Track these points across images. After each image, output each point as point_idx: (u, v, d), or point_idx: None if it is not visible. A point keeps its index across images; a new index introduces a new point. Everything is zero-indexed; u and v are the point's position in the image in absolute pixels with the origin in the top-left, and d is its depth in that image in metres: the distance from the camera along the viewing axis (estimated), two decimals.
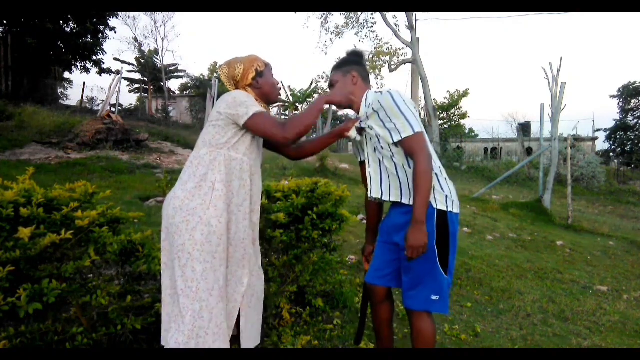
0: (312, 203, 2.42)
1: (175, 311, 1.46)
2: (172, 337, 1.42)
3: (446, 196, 1.65)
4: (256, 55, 1.72)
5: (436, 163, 1.69)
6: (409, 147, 1.61)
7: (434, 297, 1.64)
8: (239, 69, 1.66)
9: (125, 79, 29.14)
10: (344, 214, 2.57)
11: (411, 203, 1.66)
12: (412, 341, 1.74)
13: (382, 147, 1.72)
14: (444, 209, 1.64)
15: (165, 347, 1.46)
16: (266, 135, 1.56)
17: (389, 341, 1.94)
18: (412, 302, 1.69)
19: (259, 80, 1.68)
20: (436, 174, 1.66)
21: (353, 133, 1.78)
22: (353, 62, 1.85)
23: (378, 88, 1.82)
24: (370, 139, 1.77)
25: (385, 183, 1.78)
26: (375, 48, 18.95)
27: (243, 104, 1.54)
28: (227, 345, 1.49)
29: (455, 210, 1.68)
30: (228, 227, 1.54)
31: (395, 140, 1.64)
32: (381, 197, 1.81)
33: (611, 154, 28.54)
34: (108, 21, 15.88)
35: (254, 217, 1.66)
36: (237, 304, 1.59)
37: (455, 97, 29.36)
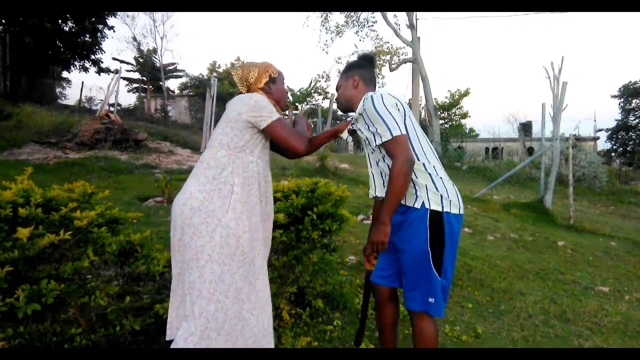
0: (312, 203, 2.41)
1: (187, 311, 1.45)
2: (182, 336, 1.43)
3: (441, 196, 1.63)
4: (270, 62, 1.78)
5: (430, 162, 1.68)
6: (388, 151, 1.63)
7: (430, 300, 1.64)
8: (254, 72, 1.71)
9: (124, 78, 29.12)
10: (344, 214, 2.55)
11: (406, 203, 1.67)
12: (413, 342, 1.74)
13: (373, 150, 1.76)
14: (439, 209, 1.61)
15: (172, 346, 1.45)
16: (286, 143, 1.61)
17: (392, 344, 1.93)
18: (412, 304, 1.69)
19: (271, 86, 1.73)
20: (430, 174, 1.66)
21: (345, 134, 1.89)
22: (356, 66, 1.88)
23: (379, 88, 1.83)
24: (364, 141, 1.81)
25: (386, 182, 1.79)
26: (375, 47, 18.93)
27: (265, 107, 1.58)
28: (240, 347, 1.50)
29: (454, 210, 1.64)
30: (250, 230, 1.55)
31: (377, 144, 1.66)
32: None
33: (613, 154, 28.54)
34: (107, 20, 15.85)
35: (271, 218, 1.71)
36: (270, 307, 1.64)
37: (456, 97, 29.39)
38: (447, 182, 1.69)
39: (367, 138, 1.75)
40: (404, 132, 1.61)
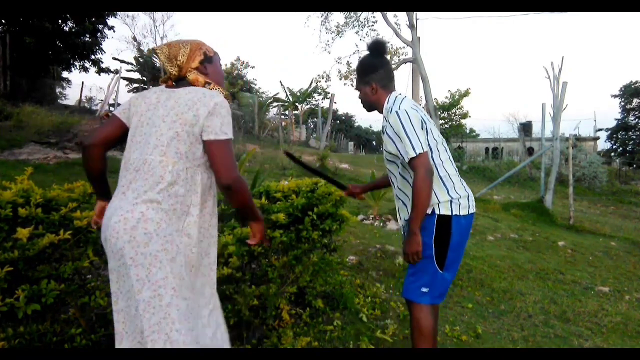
0: (312, 203, 2.41)
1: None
2: None
3: (451, 201, 1.73)
4: (203, 41, 1.52)
5: (445, 169, 1.79)
6: (411, 166, 1.71)
7: (424, 290, 1.75)
8: (185, 48, 1.44)
9: (124, 78, 29.03)
10: (344, 214, 2.56)
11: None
12: (410, 330, 1.82)
13: (388, 158, 1.89)
14: (448, 213, 1.72)
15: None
16: (221, 164, 1.31)
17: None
18: (406, 292, 1.80)
19: (207, 66, 1.48)
20: (442, 180, 1.76)
21: None
22: (371, 70, 1.87)
23: (399, 94, 1.87)
24: (383, 139, 1.90)
25: (397, 183, 1.93)
26: None
27: (224, 118, 1.35)
28: None
29: (463, 212, 1.75)
30: (205, 255, 1.39)
31: (403, 161, 1.75)
32: None
33: (612, 153, 28.56)
34: (107, 20, 15.87)
35: (215, 239, 1.48)
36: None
37: (456, 97, 29.38)
38: (459, 187, 1.79)
39: (389, 150, 1.82)
40: (426, 148, 1.69)
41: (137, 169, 1.31)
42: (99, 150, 1.44)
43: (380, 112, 1.91)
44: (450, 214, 1.72)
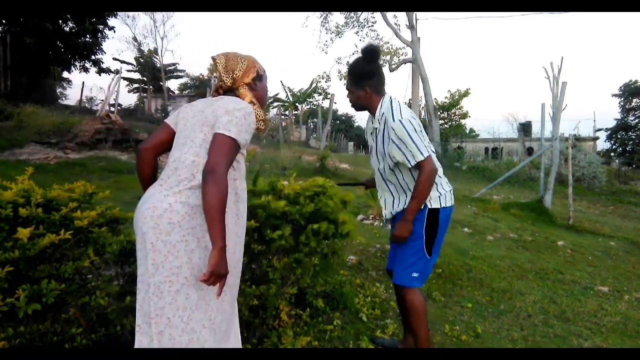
0: (316, 216, 2.36)
1: (152, 341, 1.29)
2: None
3: (439, 196, 1.97)
4: (255, 58, 1.65)
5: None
6: (418, 167, 1.90)
7: (414, 274, 1.98)
8: (242, 63, 1.55)
9: (125, 78, 29.13)
10: (351, 230, 2.45)
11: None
12: (406, 313, 2.04)
13: (384, 157, 2.02)
14: (437, 206, 1.96)
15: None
16: (213, 152, 1.33)
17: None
18: (398, 279, 2.02)
19: (257, 83, 1.61)
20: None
21: None
22: (366, 77, 1.97)
23: (392, 99, 2.00)
24: (375, 140, 2.05)
25: (386, 180, 2.14)
26: None
27: (240, 120, 1.39)
28: None
29: (448, 204, 2.00)
30: (233, 250, 1.42)
31: (411, 166, 1.91)
32: None
33: (612, 153, 28.59)
34: (107, 21, 15.89)
35: (243, 239, 1.56)
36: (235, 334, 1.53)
37: (456, 97, 29.45)
38: (445, 183, 2.03)
39: (394, 156, 1.93)
40: (430, 151, 1.91)
41: (176, 167, 1.41)
42: (150, 153, 1.54)
43: (372, 113, 2.03)
44: (438, 206, 1.96)
